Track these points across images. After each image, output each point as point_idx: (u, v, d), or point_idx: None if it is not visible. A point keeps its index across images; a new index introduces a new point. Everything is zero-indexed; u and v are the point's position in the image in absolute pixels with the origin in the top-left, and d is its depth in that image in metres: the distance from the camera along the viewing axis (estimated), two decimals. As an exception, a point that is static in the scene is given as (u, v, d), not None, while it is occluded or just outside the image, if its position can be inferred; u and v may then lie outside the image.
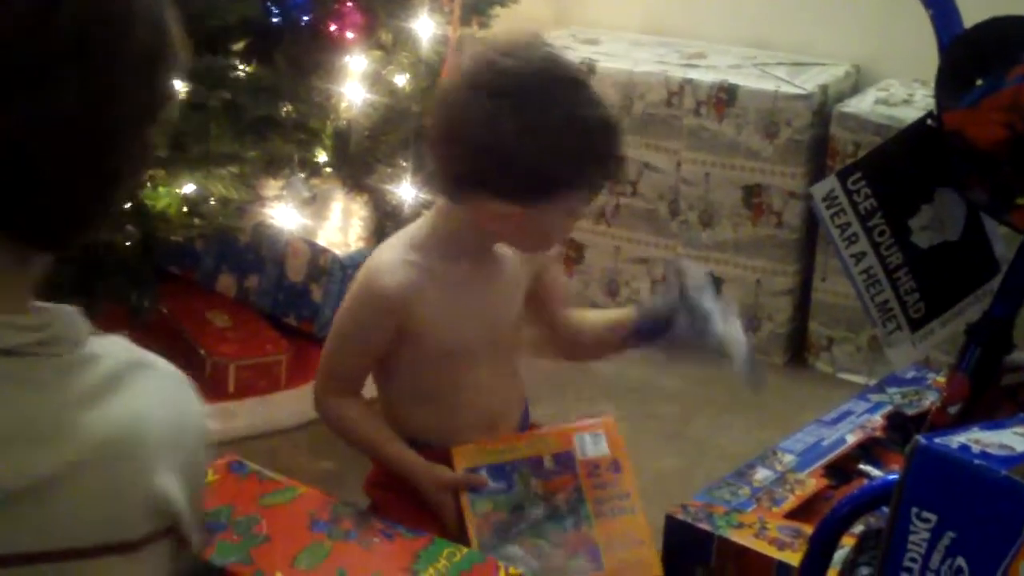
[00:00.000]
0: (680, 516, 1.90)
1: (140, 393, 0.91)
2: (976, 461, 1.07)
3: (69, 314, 0.90)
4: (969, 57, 1.72)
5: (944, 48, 1.77)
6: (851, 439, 2.13)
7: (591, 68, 3.24)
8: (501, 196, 1.56)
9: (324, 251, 2.93)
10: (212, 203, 2.35)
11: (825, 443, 2.13)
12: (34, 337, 0.86)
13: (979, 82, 1.68)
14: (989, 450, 1.08)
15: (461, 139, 1.57)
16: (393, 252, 1.69)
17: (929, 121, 1.74)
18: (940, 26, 1.79)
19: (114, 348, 0.93)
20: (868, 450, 2.13)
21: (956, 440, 1.10)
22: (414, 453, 1.69)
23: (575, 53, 3.31)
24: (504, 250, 1.71)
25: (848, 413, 2.23)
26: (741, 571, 1.83)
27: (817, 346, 3.19)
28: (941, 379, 2.20)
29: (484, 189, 1.57)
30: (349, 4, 2.54)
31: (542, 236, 1.66)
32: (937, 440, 1.10)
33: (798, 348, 3.24)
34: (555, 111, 1.54)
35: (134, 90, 0.86)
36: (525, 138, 1.52)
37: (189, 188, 2.31)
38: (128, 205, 2.22)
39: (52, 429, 0.85)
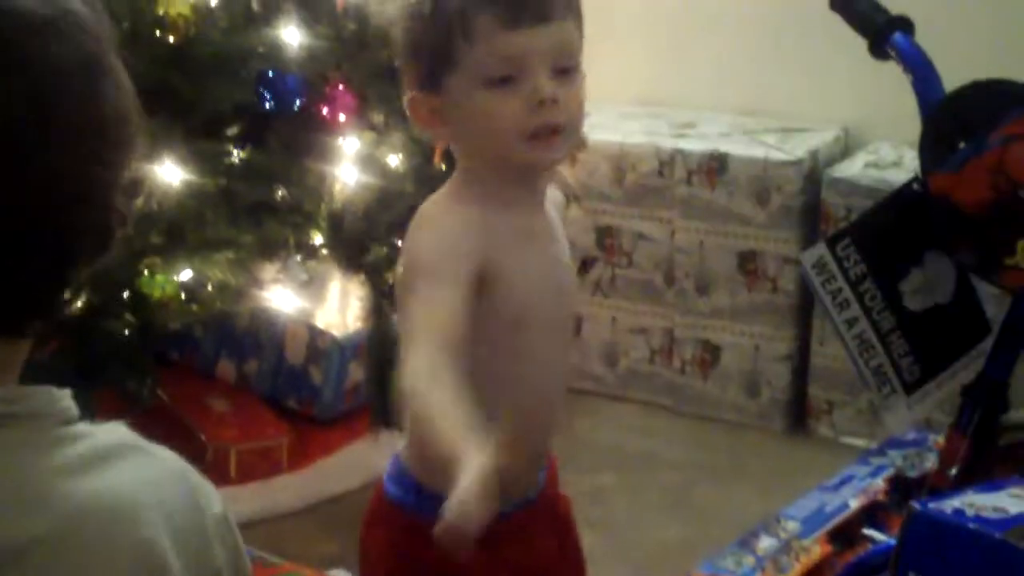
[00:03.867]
0: (685, 587, 1.90)
1: (127, 471, 0.92)
2: (971, 525, 1.08)
3: (52, 393, 0.91)
4: (952, 121, 1.74)
5: (926, 113, 1.79)
6: (854, 504, 2.13)
7: (581, 141, 3.27)
8: (408, 86, 1.47)
9: (323, 333, 2.95)
10: (209, 289, 2.36)
11: (828, 508, 2.13)
12: (3, 409, 0.88)
13: (962, 145, 1.69)
14: (983, 513, 1.08)
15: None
16: (439, 199, 1.50)
17: (915, 185, 1.76)
18: (921, 91, 1.81)
19: (108, 430, 0.94)
20: (872, 514, 2.13)
21: (951, 504, 1.10)
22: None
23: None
24: (551, 211, 1.54)
25: (850, 477, 2.23)
26: (748, 641, 1.82)
27: (818, 410, 3.19)
28: (942, 440, 2.20)
29: (409, 87, 1.47)
30: (340, 87, 2.57)
31: (480, 119, 1.43)
32: (932, 505, 1.10)
33: (799, 413, 3.23)
34: None
35: (71, 174, 0.86)
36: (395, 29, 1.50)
37: (186, 275, 2.33)
38: (125, 294, 2.24)
39: (16, 498, 0.86)
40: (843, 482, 2.21)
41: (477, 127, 1.44)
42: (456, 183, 1.51)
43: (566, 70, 1.44)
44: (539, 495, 1.57)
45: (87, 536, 0.88)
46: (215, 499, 0.97)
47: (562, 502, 1.64)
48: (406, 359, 1.33)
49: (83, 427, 0.92)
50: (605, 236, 3.31)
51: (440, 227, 1.45)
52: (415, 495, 1.48)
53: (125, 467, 0.92)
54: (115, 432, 0.94)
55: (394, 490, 1.51)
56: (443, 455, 1.18)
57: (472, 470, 1.12)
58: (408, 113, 1.49)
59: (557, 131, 1.43)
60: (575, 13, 1.46)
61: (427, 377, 1.28)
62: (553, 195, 1.60)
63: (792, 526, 2.08)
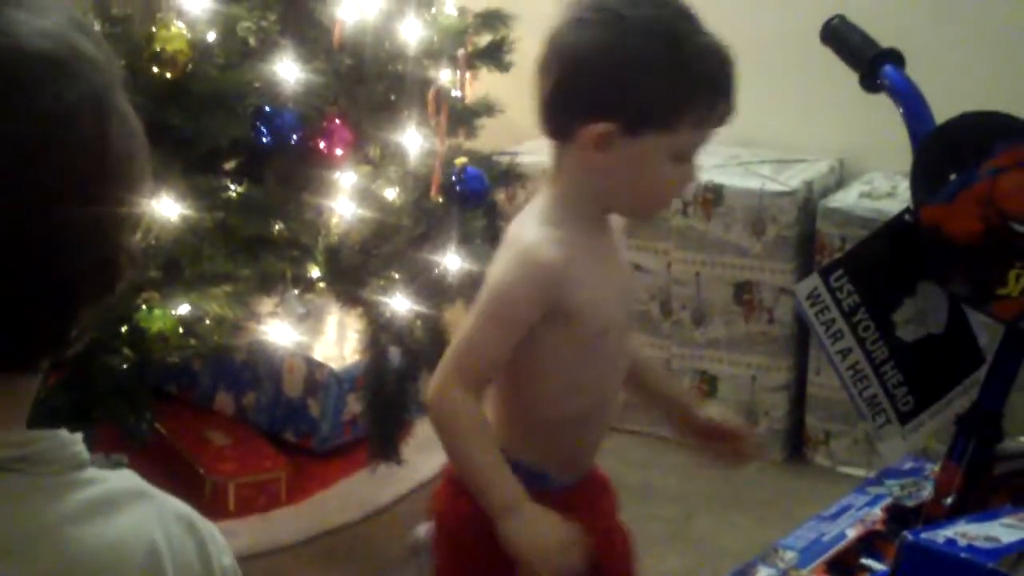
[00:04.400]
0: (683, 619, 1.90)
1: (136, 518, 0.91)
2: (962, 554, 1.08)
3: (62, 437, 0.91)
4: (942, 152, 1.75)
5: (917, 144, 1.80)
6: (851, 533, 2.13)
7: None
8: (597, 111, 1.54)
9: (320, 366, 2.95)
10: (207, 323, 2.37)
11: (826, 538, 2.12)
12: (14, 452, 0.88)
13: (953, 176, 1.71)
14: (976, 543, 1.09)
15: (560, 62, 1.58)
16: (537, 229, 1.63)
17: (906, 216, 1.77)
18: (912, 123, 1.82)
19: (118, 477, 0.93)
20: (869, 544, 2.12)
21: (943, 534, 1.11)
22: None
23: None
24: (615, 224, 1.71)
25: (848, 507, 2.23)
26: (746, 672, 1.82)
27: (815, 440, 3.20)
28: (939, 469, 2.21)
29: (583, 108, 1.55)
30: (337, 121, 2.58)
31: (648, 179, 1.60)
32: (924, 535, 1.11)
33: (797, 443, 3.24)
34: (651, 31, 1.53)
35: (79, 212, 0.86)
36: (619, 55, 1.53)
37: (184, 309, 2.34)
38: (123, 329, 2.25)
39: (25, 543, 0.86)
40: (841, 511, 2.21)
41: (643, 182, 1.61)
42: (554, 201, 1.64)
43: None
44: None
45: None
46: (224, 549, 0.97)
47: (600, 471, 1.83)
48: (451, 386, 1.60)
49: (94, 472, 0.92)
50: (602, 267, 3.32)
51: (524, 266, 1.60)
52: None
53: (134, 514, 0.92)
54: (126, 479, 0.94)
55: None
56: (495, 499, 1.57)
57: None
58: (580, 134, 1.56)
59: None
60: None
61: (481, 426, 1.61)
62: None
63: (790, 556, 2.08)
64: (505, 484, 1.58)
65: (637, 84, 1.53)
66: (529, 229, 1.63)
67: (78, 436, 0.92)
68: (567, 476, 1.71)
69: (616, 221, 1.72)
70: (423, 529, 2.15)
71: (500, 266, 1.63)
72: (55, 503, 0.88)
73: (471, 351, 1.62)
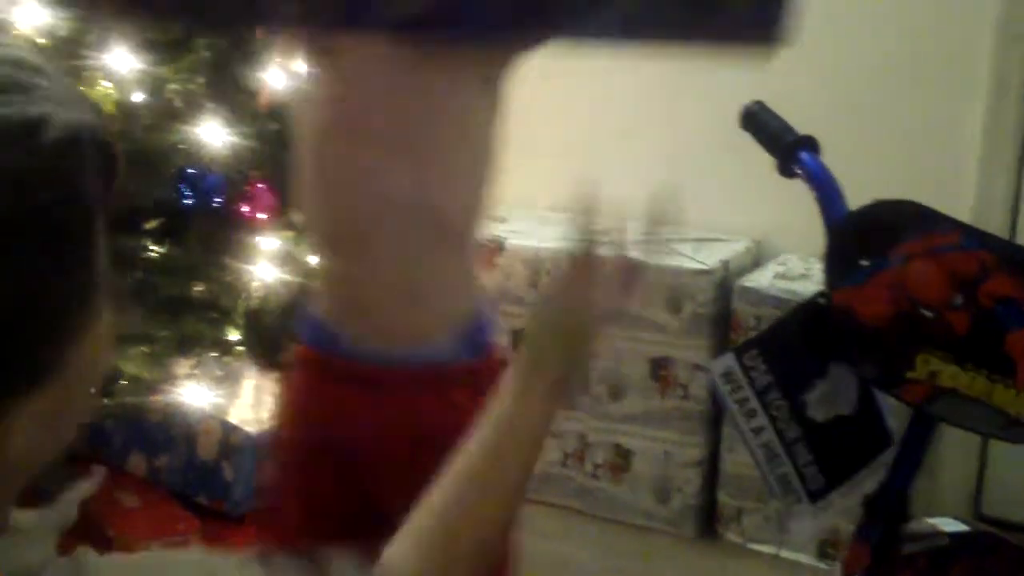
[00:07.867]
0: None
1: None
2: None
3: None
4: (855, 238, 1.79)
5: (830, 229, 1.84)
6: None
7: (500, 245, 3.32)
8: None
9: (236, 429, 2.93)
10: (122, 382, 2.35)
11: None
12: None
13: (865, 262, 1.75)
14: (879, 622, 1.11)
15: None
16: None
17: (819, 299, 1.80)
18: (826, 208, 1.87)
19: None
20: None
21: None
22: None
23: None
24: None
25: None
26: None
27: (727, 517, 3.22)
28: (847, 549, 2.23)
29: None
30: (261, 186, 2.59)
31: None
32: (829, 613, 1.12)
33: (709, 519, 3.26)
34: None
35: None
36: None
37: (99, 368, 2.31)
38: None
39: None
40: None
41: None
42: None
43: None
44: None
45: None
46: None
47: None
48: None
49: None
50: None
51: None
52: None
53: None
54: None
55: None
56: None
57: None
58: None
59: None
60: None
61: None
62: None
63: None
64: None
65: None
66: None
67: (44, 532, 0.86)
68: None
69: None
70: None
71: None
72: None
73: None
